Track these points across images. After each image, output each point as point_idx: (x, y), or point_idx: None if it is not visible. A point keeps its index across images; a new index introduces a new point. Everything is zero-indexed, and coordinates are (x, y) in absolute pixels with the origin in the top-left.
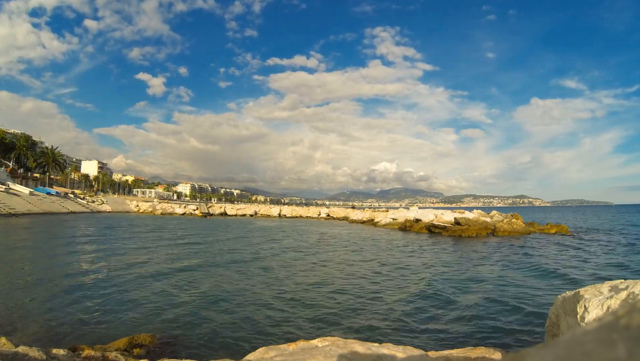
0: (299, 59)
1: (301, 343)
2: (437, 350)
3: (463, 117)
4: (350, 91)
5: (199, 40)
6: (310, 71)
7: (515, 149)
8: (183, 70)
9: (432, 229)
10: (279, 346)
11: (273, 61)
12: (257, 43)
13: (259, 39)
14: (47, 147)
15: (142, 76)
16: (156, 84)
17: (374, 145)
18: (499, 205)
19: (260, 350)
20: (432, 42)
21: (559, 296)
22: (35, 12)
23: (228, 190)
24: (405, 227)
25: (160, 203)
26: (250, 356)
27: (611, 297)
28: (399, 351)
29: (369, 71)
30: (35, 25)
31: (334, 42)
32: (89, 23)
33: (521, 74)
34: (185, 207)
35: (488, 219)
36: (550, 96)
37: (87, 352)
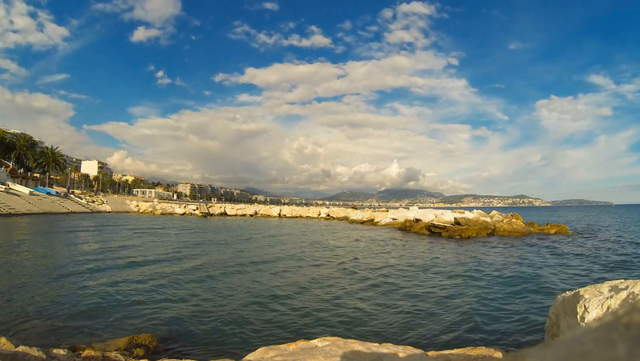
0: (319, 40)
1: (301, 343)
2: (437, 350)
3: (480, 113)
4: (371, 82)
5: (206, 24)
6: (332, 57)
7: (527, 148)
8: (185, 61)
9: (432, 229)
10: (279, 346)
11: (289, 42)
12: (274, 18)
13: (279, 13)
14: (47, 147)
15: (143, 70)
16: (157, 77)
17: (381, 143)
18: (499, 205)
19: (260, 350)
20: (468, 24)
21: (559, 296)
22: None
23: (228, 190)
24: (405, 227)
25: (160, 203)
26: (250, 356)
27: (611, 297)
28: (399, 351)
29: (393, 60)
30: (31, 4)
31: (361, 23)
32: (89, 6)
33: (547, 68)
34: (185, 207)
35: (488, 219)
36: (573, 92)
37: (87, 352)
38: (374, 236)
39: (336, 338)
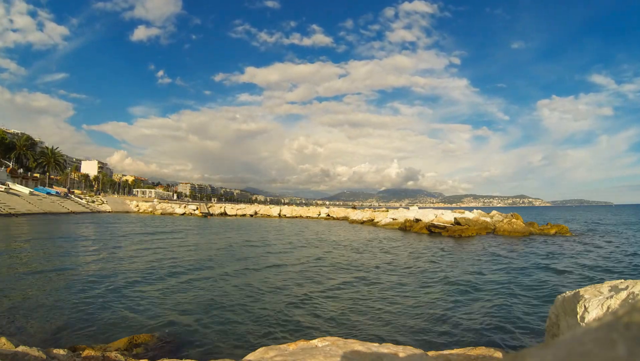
0: (320, 39)
1: (301, 343)
2: (437, 350)
3: (481, 113)
4: (372, 82)
5: (207, 23)
6: (334, 57)
7: (528, 148)
8: (186, 61)
9: (432, 229)
10: (279, 346)
11: (290, 40)
12: (275, 17)
13: (280, 12)
14: (47, 147)
15: (143, 70)
16: (157, 77)
17: (381, 143)
18: (498, 205)
19: (260, 350)
20: (471, 24)
21: (559, 296)
22: None
23: (228, 190)
24: (405, 227)
25: (160, 203)
26: (250, 356)
27: (611, 297)
28: (399, 351)
29: (395, 60)
30: (31, 3)
31: (362, 22)
32: (89, 5)
33: (548, 67)
34: (185, 207)
35: (488, 219)
36: (575, 91)
37: (87, 352)
38: (374, 236)
39: (336, 338)
